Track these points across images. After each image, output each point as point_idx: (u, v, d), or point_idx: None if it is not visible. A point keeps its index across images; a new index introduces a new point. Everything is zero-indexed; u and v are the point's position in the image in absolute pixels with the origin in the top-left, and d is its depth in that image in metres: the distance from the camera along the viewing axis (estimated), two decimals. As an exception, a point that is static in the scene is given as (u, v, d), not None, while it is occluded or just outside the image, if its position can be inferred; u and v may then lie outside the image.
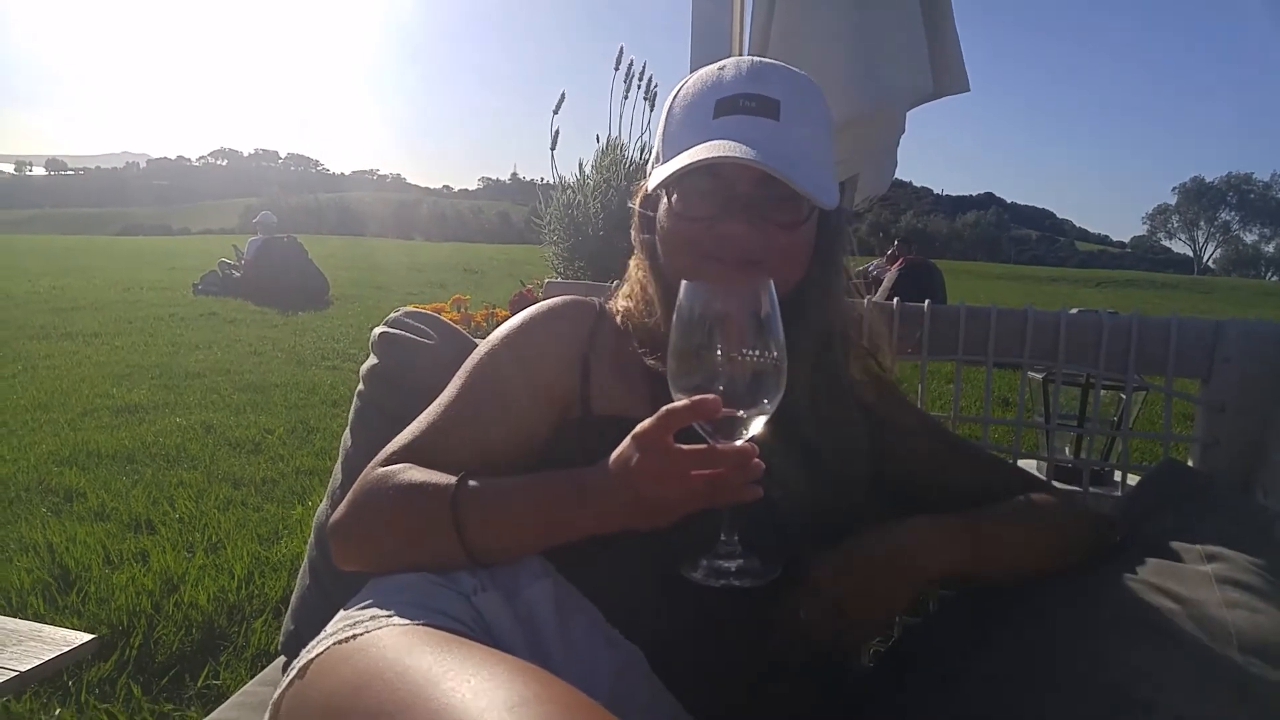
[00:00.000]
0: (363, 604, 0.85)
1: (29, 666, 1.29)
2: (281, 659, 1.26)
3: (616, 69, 3.49)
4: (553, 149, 3.51)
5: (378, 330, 1.32)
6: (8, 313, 8.41)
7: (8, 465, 3.51)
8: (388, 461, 0.92)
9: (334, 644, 0.77)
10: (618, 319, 1.03)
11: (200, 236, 32.16)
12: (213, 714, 1.13)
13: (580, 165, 3.56)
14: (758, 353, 0.73)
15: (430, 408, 0.97)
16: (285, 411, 4.67)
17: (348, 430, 1.29)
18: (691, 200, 0.92)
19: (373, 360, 1.30)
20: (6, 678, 1.26)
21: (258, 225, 10.89)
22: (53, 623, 2.04)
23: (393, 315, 1.35)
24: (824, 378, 1.00)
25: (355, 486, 0.91)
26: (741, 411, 0.73)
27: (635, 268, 1.05)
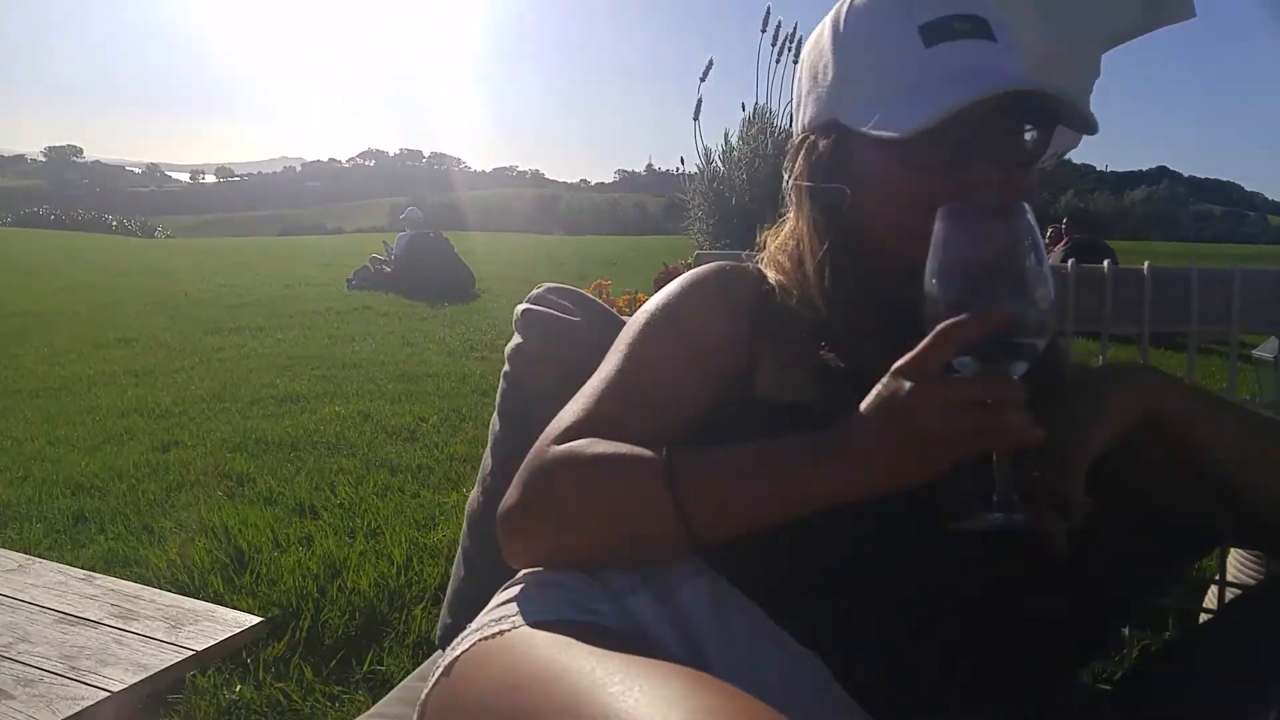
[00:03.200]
0: (507, 599, 0.80)
1: (204, 646, 1.34)
2: (439, 653, 1.24)
3: (764, 31, 3.36)
4: (696, 118, 3.42)
5: (521, 307, 1.26)
6: (186, 310, 9.08)
7: (188, 451, 3.76)
8: (559, 440, 0.82)
9: (479, 640, 0.74)
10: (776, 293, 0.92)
11: (352, 235, 33.97)
12: (374, 708, 1.12)
13: (725, 136, 3.47)
14: (1033, 288, 0.67)
15: (592, 382, 0.88)
16: (438, 400, 4.81)
17: (495, 414, 1.26)
18: (919, 146, 0.79)
19: (517, 339, 1.25)
20: (184, 656, 1.31)
21: (405, 221, 11.35)
22: (230, 603, 2.14)
23: (535, 292, 1.28)
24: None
25: (525, 471, 0.81)
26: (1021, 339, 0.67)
27: (791, 236, 0.93)
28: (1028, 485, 0.80)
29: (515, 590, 0.80)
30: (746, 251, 1.01)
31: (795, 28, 3.60)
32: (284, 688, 1.86)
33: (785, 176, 0.92)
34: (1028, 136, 0.81)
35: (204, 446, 3.84)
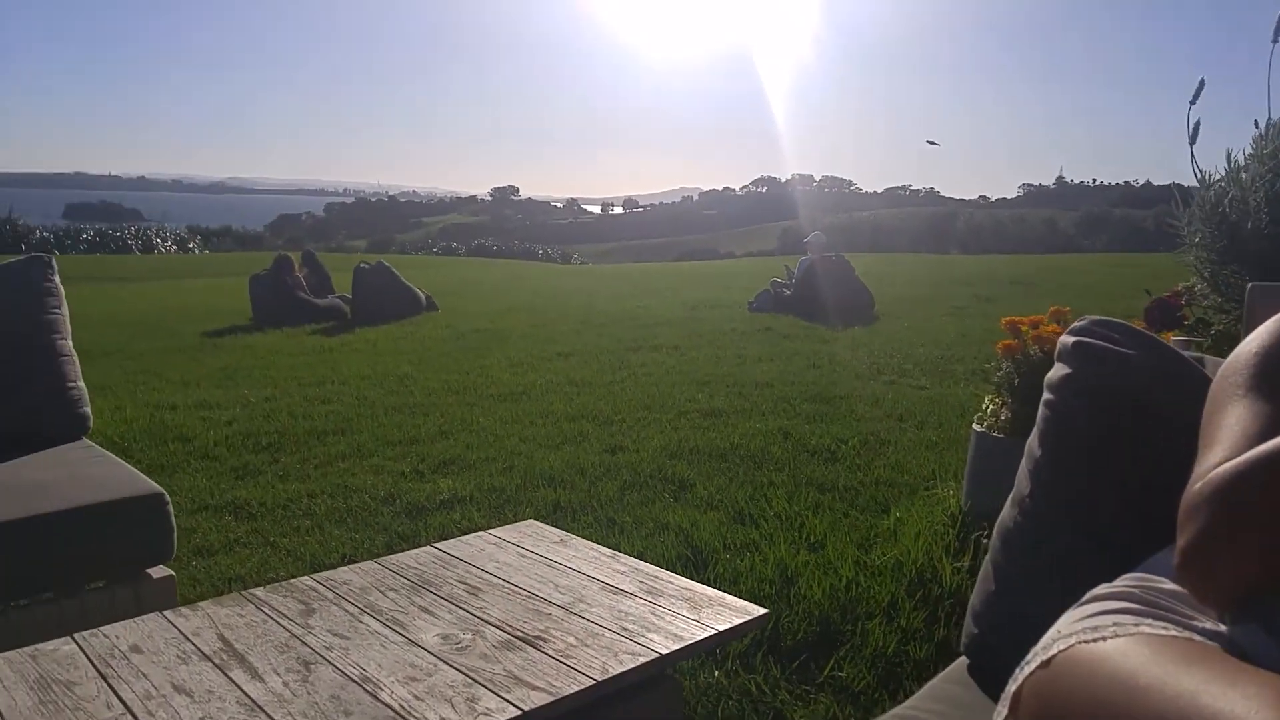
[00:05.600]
0: (1095, 611, 0.86)
1: (724, 627, 1.51)
2: (964, 660, 1.29)
3: (1275, 40, 2.99)
4: (1192, 143, 3.15)
5: (1070, 339, 1.29)
6: (610, 329, 10.13)
7: (632, 455, 4.22)
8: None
9: (1078, 643, 0.80)
10: None
11: (743, 259, 35.54)
12: (907, 703, 1.20)
13: (1228, 155, 3.15)
14: None
15: (1225, 426, 0.87)
16: (854, 423, 4.88)
17: (1034, 438, 1.29)
18: None
19: (1064, 370, 1.28)
20: (709, 633, 1.49)
21: (808, 245, 11.63)
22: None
23: (1079, 324, 1.31)
24: None
25: (1185, 514, 0.81)
26: None
27: None
28: None
29: (1106, 604, 0.85)
30: None
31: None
32: (754, 679, 2.03)
33: None
34: None
35: (645, 451, 4.27)
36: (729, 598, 1.62)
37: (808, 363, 7.22)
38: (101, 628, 1.49)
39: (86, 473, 2.30)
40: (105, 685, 1.31)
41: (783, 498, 3.46)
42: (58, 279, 2.82)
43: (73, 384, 2.70)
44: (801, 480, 3.75)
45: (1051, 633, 0.88)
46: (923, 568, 2.57)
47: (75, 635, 1.46)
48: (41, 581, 2.06)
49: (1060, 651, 0.82)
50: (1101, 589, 0.94)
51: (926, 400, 5.52)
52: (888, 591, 2.44)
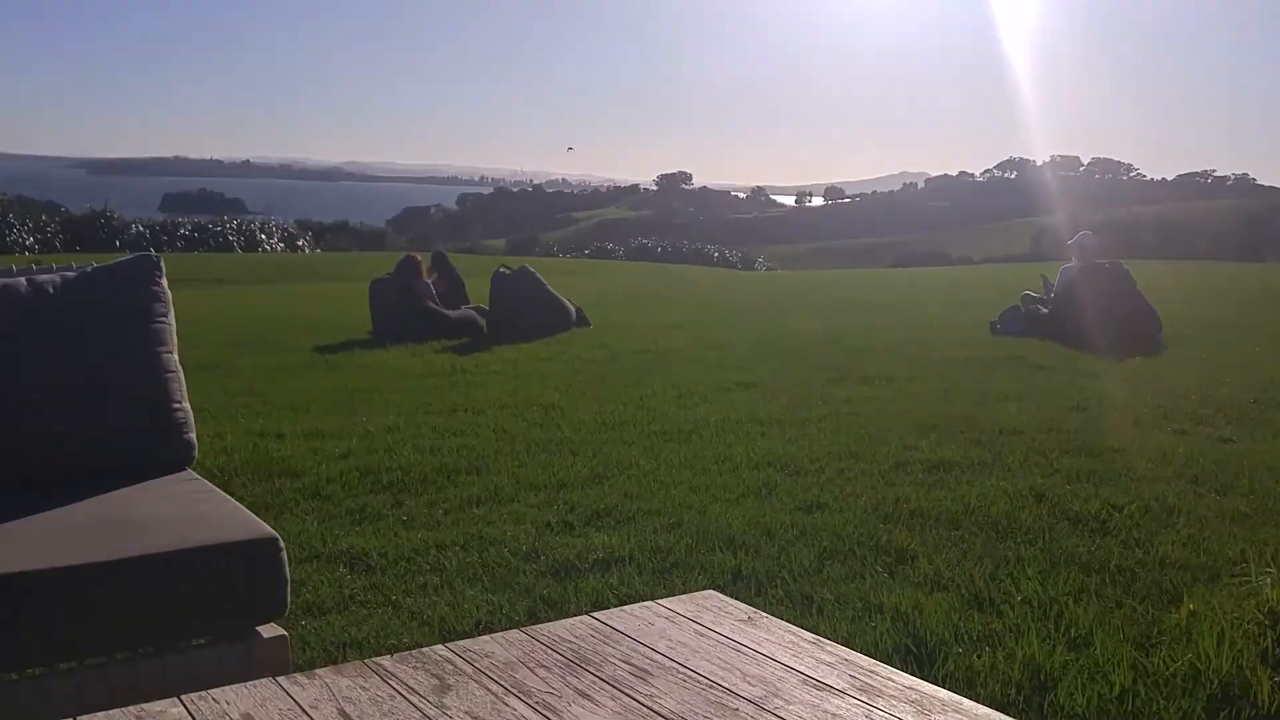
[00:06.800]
0: None
1: (962, 741, 1.48)
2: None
3: None
4: None
5: None
6: (804, 353, 10.10)
7: (833, 515, 4.20)
8: None
9: None
10: None
11: (985, 266, 34.54)
12: None
13: None
14: None
15: None
16: (1131, 485, 4.68)
17: None
18: None
19: None
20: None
21: (1073, 249, 11.24)
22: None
23: None
24: None
25: None
26: None
27: None
28: None
29: None
30: None
31: None
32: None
33: None
34: None
35: (850, 511, 4.25)
36: (966, 702, 1.60)
37: (1070, 403, 6.98)
38: (210, 690, 1.63)
39: (193, 511, 2.51)
40: (216, 756, 1.43)
41: (1034, 578, 3.37)
42: (165, 282, 3.10)
43: (178, 405, 2.96)
44: (1060, 557, 3.64)
45: None
46: (1229, 679, 2.47)
47: (183, 697, 1.60)
48: (144, 633, 2.26)
49: None
50: None
51: (1233, 457, 5.23)
52: (1178, 708, 2.34)
